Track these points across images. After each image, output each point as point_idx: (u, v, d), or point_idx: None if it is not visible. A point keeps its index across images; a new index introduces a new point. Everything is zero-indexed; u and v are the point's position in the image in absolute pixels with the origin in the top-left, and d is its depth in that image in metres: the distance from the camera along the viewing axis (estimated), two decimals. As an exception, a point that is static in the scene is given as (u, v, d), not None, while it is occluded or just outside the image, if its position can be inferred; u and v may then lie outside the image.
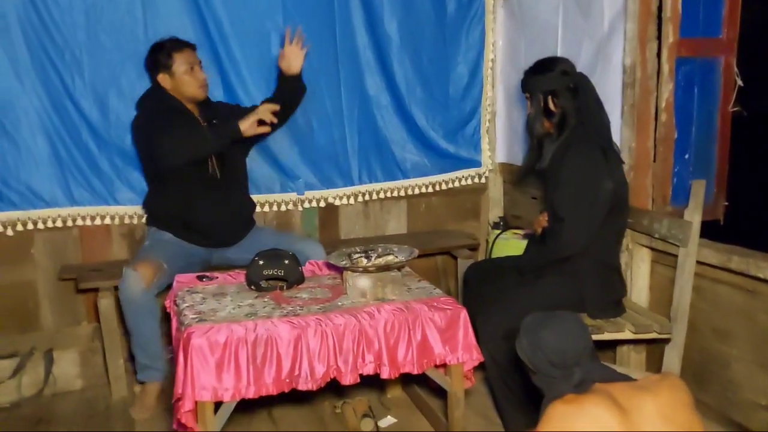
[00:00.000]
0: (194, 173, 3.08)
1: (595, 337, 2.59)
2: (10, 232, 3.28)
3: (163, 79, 3.10)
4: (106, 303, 3.11)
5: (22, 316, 3.41)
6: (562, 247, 2.68)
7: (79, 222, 3.38)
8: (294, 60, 3.22)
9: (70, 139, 3.30)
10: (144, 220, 3.35)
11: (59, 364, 3.20)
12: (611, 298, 2.79)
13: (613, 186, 2.63)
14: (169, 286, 2.90)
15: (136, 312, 2.92)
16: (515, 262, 3.02)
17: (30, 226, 3.30)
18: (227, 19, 3.41)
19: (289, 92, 3.29)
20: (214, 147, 3.00)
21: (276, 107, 3.02)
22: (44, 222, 3.32)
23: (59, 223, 3.34)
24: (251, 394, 2.26)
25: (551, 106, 2.73)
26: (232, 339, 2.24)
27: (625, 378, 1.79)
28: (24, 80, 3.18)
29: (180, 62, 3.08)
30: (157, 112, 3.06)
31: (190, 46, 3.16)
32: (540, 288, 2.72)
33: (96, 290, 3.19)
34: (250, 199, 3.41)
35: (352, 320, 2.36)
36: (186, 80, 3.09)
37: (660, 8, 2.90)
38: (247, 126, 2.94)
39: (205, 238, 3.19)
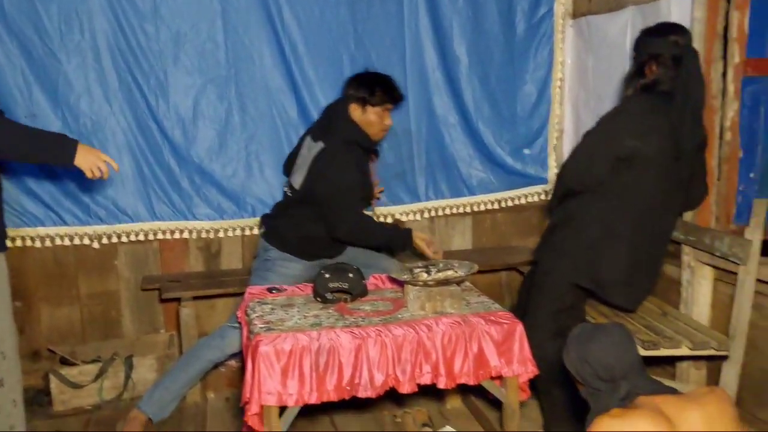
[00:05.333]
0: None
1: (651, 353, 2.59)
2: (96, 245, 3.50)
3: (354, 109, 3.08)
4: (187, 312, 3.29)
5: (106, 324, 3.61)
6: None
7: (160, 236, 3.56)
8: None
9: (153, 157, 3.49)
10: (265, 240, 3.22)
11: (138, 370, 3.39)
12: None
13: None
14: None
15: (209, 361, 3.06)
16: None
17: (114, 240, 3.51)
18: (302, 44, 3.56)
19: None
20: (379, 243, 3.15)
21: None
22: (127, 235, 3.52)
23: (141, 237, 3.54)
24: (313, 399, 2.36)
25: (647, 69, 2.68)
26: (297, 347, 2.35)
27: (672, 391, 1.80)
28: (112, 102, 3.39)
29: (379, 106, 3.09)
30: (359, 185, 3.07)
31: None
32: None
33: (176, 300, 3.38)
34: None
35: (410, 332, 2.44)
36: (374, 121, 3.10)
37: (726, 29, 2.89)
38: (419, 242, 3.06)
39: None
